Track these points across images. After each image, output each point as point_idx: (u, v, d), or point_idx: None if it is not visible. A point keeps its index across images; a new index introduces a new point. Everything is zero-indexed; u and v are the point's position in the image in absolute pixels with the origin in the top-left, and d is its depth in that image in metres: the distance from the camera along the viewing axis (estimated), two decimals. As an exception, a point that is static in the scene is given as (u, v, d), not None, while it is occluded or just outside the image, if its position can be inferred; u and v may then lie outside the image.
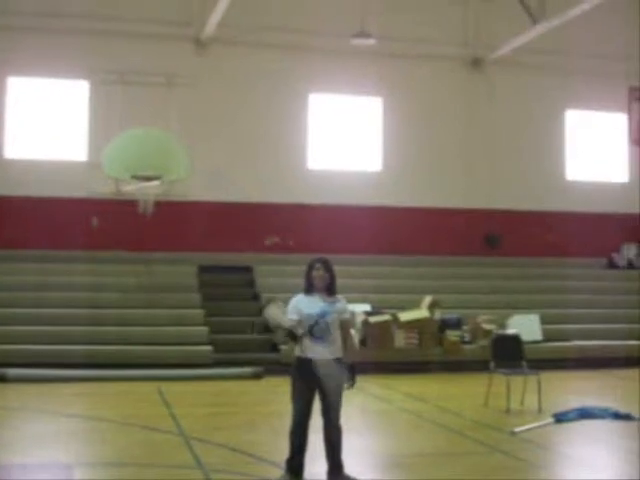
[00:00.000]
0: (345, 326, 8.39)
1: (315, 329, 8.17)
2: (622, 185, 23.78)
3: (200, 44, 20.99)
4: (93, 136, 20.40)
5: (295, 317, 8.27)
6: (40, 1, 20.01)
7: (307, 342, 8.19)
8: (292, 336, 8.24)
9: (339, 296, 8.44)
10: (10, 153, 20.43)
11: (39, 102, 20.69)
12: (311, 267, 8.40)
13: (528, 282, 21.79)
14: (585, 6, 18.84)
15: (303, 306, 8.27)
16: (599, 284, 22.02)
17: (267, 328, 18.44)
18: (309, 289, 8.36)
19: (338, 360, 8.24)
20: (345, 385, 8.26)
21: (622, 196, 23.34)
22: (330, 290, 8.37)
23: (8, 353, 16.35)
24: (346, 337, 8.37)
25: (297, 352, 8.29)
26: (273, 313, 8.50)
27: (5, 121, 20.46)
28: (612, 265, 23.35)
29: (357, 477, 8.19)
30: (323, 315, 8.20)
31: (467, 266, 21.98)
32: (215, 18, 19.54)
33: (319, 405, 8.24)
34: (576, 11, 19.06)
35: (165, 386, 14.81)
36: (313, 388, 8.19)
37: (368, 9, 19.61)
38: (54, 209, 20.05)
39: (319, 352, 8.16)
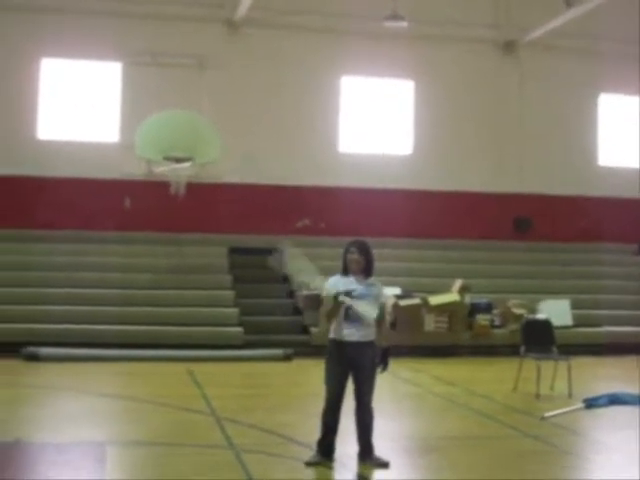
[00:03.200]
0: (381, 311, 8.36)
1: (350, 311, 8.16)
2: (654, 170, 23.58)
3: (232, 26, 21.01)
4: (125, 117, 20.52)
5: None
6: (74, -17, 20.12)
7: (342, 324, 8.18)
8: (337, 302, 8.13)
9: (375, 280, 8.43)
10: (44, 134, 20.58)
11: (72, 83, 20.82)
12: (347, 250, 8.37)
13: (558, 267, 21.71)
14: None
15: (340, 286, 8.24)
16: (630, 270, 21.90)
17: (297, 310, 18.53)
18: (345, 271, 8.36)
19: (371, 343, 8.26)
20: (378, 369, 8.29)
21: (655, 181, 23.15)
22: (367, 273, 8.35)
23: (41, 332, 16.53)
24: (381, 321, 8.36)
25: (332, 334, 8.31)
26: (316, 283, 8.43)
27: (39, 102, 20.60)
28: (643, 250, 23.20)
29: (387, 459, 8.24)
30: (359, 298, 8.17)
31: (497, 250, 21.93)
32: (247, 0, 19.53)
33: (352, 387, 8.28)
34: (610, -6, 18.92)
35: (196, 367, 14.92)
36: (346, 370, 8.22)
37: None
38: (87, 190, 20.19)
39: (353, 334, 8.17)
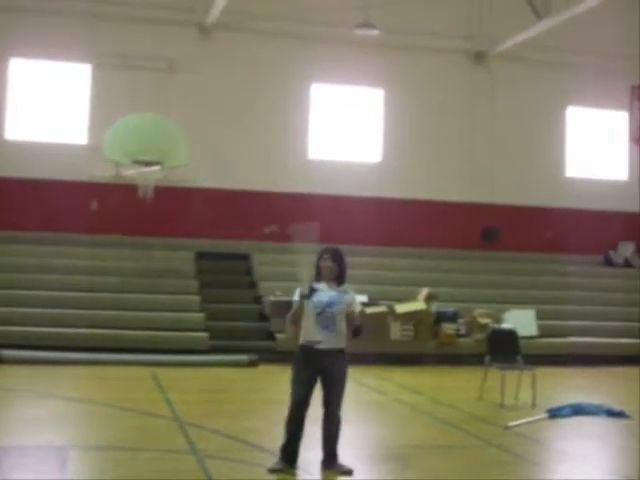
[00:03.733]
0: (350, 318, 8.34)
1: (321, 318, 8.15)
2: (621, 183, 23.79)
3: (203, 30, 20.97)
4: (94, 119, 20.40)
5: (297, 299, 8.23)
6: (43, -18, 19.99)
7: (312, 330, 8.15)
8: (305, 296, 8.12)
9: (348, 287, 8.42)
10: (11, 134, 20.42)
11: (41, 84, 20.68)
12: (320, 257, 8.35)
13: (525, 277, 21.84)
14: (590, 3, 18.83)
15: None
16: (596, 281, 22.07)
17: (263, 316, 18.49)
18: (317, 278, 8.34)
19: (343, 351, 8.25)
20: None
21: (621, 194, 23.36)
22: (339, 281, 8.34)
23: (5, 334, 16.41)
24: (350, 329, 8.35)
25: (301, 340, 8.27)
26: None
27: (7, 102, 20.43)
28: (609, 263, 23.37)
29: (351, 467, 8.22)
30: (330, 305, 8.18)
31: (464, 260, 22.02)
32: (219, 5, 19.50)
33: (319, 394, 8.26)
34: (581, 8, 19.06)
35: (160, 371, 14.86)
36: (315, 377, 8.19)
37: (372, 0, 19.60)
38: (54, 192, 20.06)
39: (324, 341, 8.14)
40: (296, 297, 8.29)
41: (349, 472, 8.15)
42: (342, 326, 8.25)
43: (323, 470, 8.21)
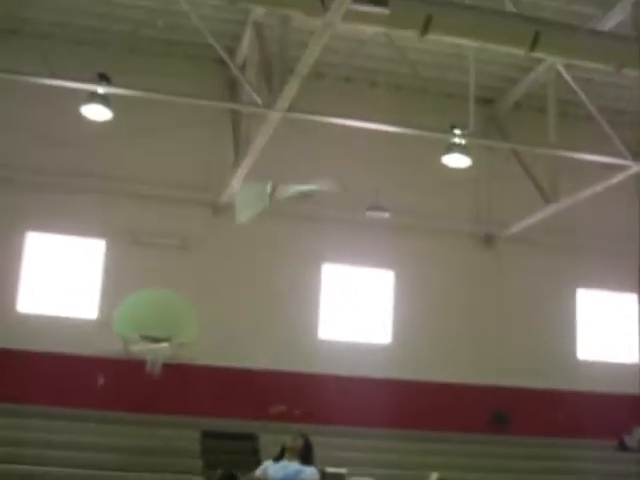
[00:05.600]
0: None
1: None
2: (633, 366, 23.52)
3: (216, 209, 21.34)
4: (105, 294, 20.55)
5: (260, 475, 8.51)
6: (59, 161, 20.48)
7: None
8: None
9: (312, 468, 8.66)
10: (24, 307, 20.54)
11: (56, 258, 20.97)
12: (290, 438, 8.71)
13: (537, 462, 21.32)
14: (598, 187, 19.20)
15: (271, 470, 8.56)
16: (610, 467, 21.50)
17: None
18: (284, 455, 8.62)
19: None
20: None
21: (634, 377, 23.02)
22: (304, 459, 8.62)
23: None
24: None
25: None
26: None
27: (22, 275, 20.66)
28: (623, 447, 22.86)
29: None
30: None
31: (474, 443, 21.59)
32: (234, 187, 19.87)
33: None
34: (588, 192, 19.42)
35: None
36: None
37: (383, 183, 20.01)
38: (62, 365, 19.98)
39: None
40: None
41: None
42: None
43: None
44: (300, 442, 8.45)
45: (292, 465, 8.35)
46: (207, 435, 20.09)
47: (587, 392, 22.65)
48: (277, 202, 12.19)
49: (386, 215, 20.15)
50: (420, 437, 21.33)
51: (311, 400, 21.05)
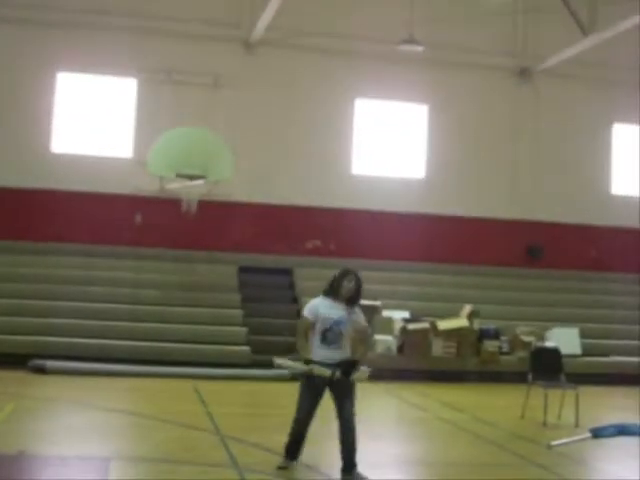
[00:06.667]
0: (359, 335, 8.68)
1: (328, 334, 8.46)
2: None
3: (248, 46, 21.08)
4: (139, 133, 20.58)
5: (310, 317, 8.55)
6: (89, -1, 20.23)
7: (320, 347, 8.47)
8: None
9: (357, 307, 8.66)
10: (58, 147, 20.64)
11: (87, 98, 20.90)
12: (343, 276, 8.65)
13: (569, 295, 21.64)
14: (636, 19, 18.67)
15: (323, 309, 8.53)
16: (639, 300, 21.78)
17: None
18: (333, 295, 8.57)
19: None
20: (336, 373, 8.39)
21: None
22: (352, 302, 8.60)
23: (49, 345, 16.55)
24: (357, 346, 8.65)
25: (311, 355, 8.54)
26: (285, 364, 9.04)
27: (54, 116, 20.67)
28: (654, 281, 23.06)
29: (368, 477, 8.27)
30: (339, 323, 8.48)
31: (508, 277, 21.87)
32: (264, 21, 19.61)
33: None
34: (627, 24, 18.90)
35: (202, 385, 14.89)
36: (321, 391, 8.50)
37: (416, 16, 19.57)
38: (98, 204, 20.23)
39: (332, 357, 8.42)
40: (307, 310, 8.66)
41: None
42: (347, 343, 8.54)
43: (343, 478, 8.31)
44: (353, 285, 8.51)
45: (340, 305, 8.42)
46: (244, 270, 20.47)
47: (620, 227, 22.69)
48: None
49: (420, 49, 19.78)
50: (454, 270, 21.61)
51: (346, 235, 21.27)
